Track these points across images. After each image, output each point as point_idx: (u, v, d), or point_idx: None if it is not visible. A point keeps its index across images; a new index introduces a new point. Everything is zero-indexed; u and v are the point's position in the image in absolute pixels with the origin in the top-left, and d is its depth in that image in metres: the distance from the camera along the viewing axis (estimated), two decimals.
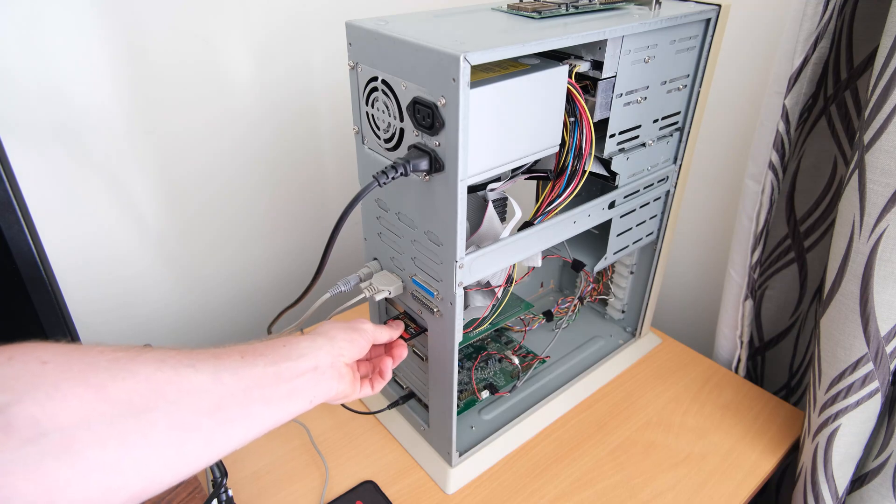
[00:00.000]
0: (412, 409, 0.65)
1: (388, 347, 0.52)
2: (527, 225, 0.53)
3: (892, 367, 0.53)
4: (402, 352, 0.52)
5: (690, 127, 0.62)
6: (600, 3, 0.53)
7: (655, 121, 0.58)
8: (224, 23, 0.73)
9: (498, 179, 0.58)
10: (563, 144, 0.51)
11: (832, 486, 0.57)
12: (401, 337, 0.53)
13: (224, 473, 0.58)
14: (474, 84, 0.40)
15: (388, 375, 0.50)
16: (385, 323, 0.53)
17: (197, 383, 0.32)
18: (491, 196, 0.55)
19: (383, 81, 0.46)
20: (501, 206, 0.58)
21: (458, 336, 0.51)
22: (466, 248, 0.47)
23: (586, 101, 0.50)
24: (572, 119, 0.50)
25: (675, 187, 0.66)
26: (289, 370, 0.38)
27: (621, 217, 0.62)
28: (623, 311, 0.79)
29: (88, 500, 0.28)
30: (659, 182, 0.64)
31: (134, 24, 0.67)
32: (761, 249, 0.67)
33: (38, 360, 0.28)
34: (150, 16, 0.67)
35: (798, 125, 0.61)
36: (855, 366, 0.53)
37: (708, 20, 0.56)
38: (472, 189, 0.55)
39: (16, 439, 0.25)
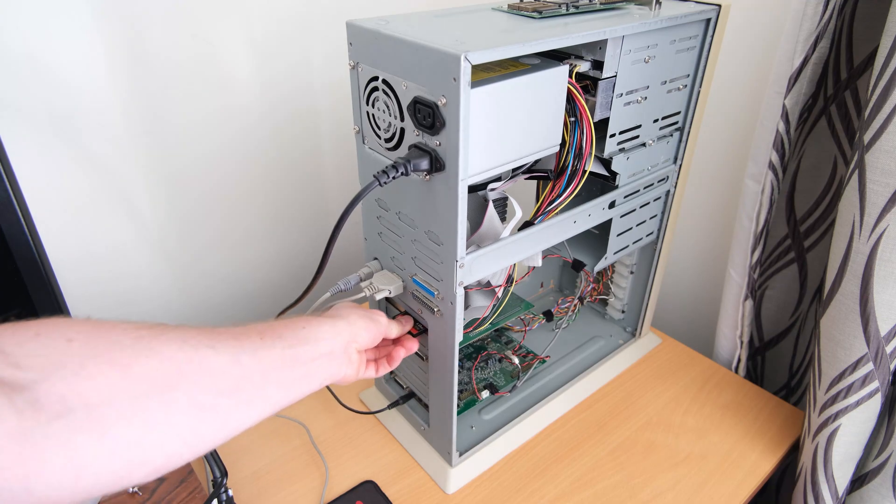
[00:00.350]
0: (412, 409, 0.65)
1: (397, 340, 0.54)
2: (527, 225, 0.53)
3: (892, 367, 0.53)
4: (414, 345, 0.53)
5: (690, 127, 0.62)
6: (601, 3, 0.53)
7: (655, 121, 0.58)
8: (225, 21, 0.73)
9: (498, 179, 0.58)
10: (563, 144, 0.51)
11: (832, 486, 0.57)
12: (409, 332, 0.55)
13: (224, 473, 0.57)
14: (475, 84, 0.40)
15: (397, 363, 0.52)
16: (394, 318, 0.53)
17: (217, 364, 0.33)
18: (491, 196, 0.55)
19: (384, 81, 0.46)
20: (502, 205, 0.58)
21: (459, 336, 0.51)
22: (467, 248, 0.47)
23: (586, 100, 0.51)
24: (572, 119, 0.50)
25: (675, 187, 0.66)
26: (305, 353, 0.40)
27: (621, 217, 0.62)
28: (623, 311, 0.79)
29: (113, 473, 0.29)
30: (659, 182, 0.64)
31: (134, 21, 0.66)
32: (761, 249, 0.67)
33: (64, 337, 0.28)
34: (149, 13, 0.67)
35: (798, 125, 0.61)
36: (855, 366, 0.53)
37: (708, 20, 0.56)
38: (473, 189, 0.55)
39: (44, 415, 0.26)
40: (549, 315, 0.76)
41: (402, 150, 0.47)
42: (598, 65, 0.50)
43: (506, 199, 0.58)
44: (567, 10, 0.50)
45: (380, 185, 0.43)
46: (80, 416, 0.27)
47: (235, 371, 0.34)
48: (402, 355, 0.52)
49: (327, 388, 0.68)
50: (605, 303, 0.81)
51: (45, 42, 0.62)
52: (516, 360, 0.71)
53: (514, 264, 0.56)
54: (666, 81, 0.57)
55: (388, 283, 0.54)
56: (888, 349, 0.51)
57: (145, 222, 0.77)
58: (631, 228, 0.64)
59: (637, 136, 0.57)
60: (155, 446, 0.30)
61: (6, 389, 0.25)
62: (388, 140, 0.48)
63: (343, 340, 0.43)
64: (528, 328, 0.76)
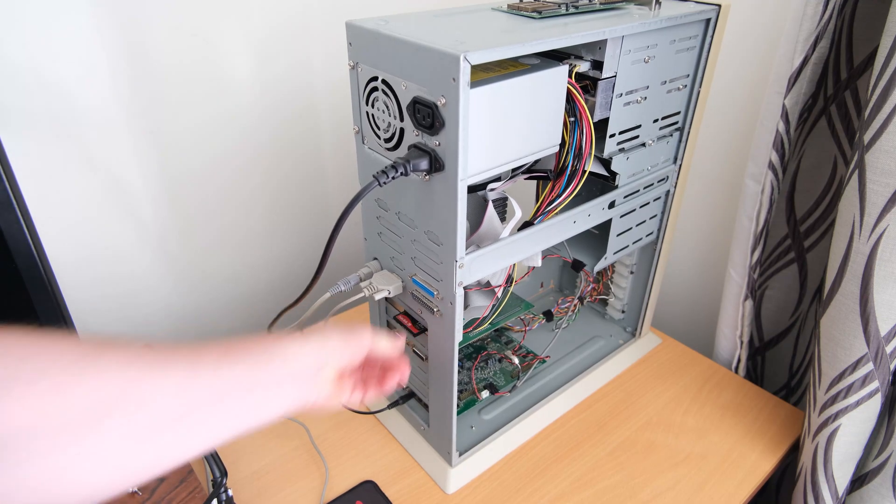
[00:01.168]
0: (412, 409, 0.65)
1: (391, 364, 0.47)
2: (527, 225, 0.53)
3: (892, 367, 0.53)
4: (407, 371, 0.47)
5: (690, 127, 0.62)
6: (600, 3, 0.53)
7: (655, 121, 0.58)
8: (225, 21, 0.73)
9: (498, 179, 0.58)
10: (563, 144, 0.51)
11: (832, 486, 0.57)
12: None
13: (224, 473, 0.58)
14: (474, 84, 0.40)
15: (389, 389, 0.46)
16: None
17: (165, 388, 0.31)
18: (491, 196, 0.55)
19: (383, 81, 0.46)
20: (501, 205, 0.58)
21: (459, 336, 0.51)
22: (466, 248, 0.47)
23: (586, 100, 0.50)
24: (572, 119, 0.50)
25: (675, 187, 0.66)
26: (268, 375, 0.36)
27: (621, 217, 0.62)
28: (623, 311, 0.79)
29: None
30: (659, 182, 0.64)
31: (134, 22, 0.67)
32: (761, 249, 0.67)
33: None
34: (149, 13, 0.67)
35: (798, 125, 0.61)
36: (855, 366, 0.53)
37: (708, 20, 0.56)
38: (472, 189, 0.55)
39: None
40: (549, 315, 0.76)
41: (402, 151, 0.47)
42: (597, 65, 0.50)
43: (505, 199, 0.58)
44: (567, 10, 0.50)
45: (379, 185, 0.43)
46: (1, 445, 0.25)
47: (185, 396, 0.32)
48: (393, 382, 0.46)
49: None
50: (605, 303, 0.81)
51: (45, 43, 0.62)
52: (516, 360, 0.71)
53: (514, 264, 0.56)
54: (666, 81, 0.57)
55: (388, 283, 0.54)
56: (888, 349, 0.51)
57: (146, 223, 0.77)
58: (631, 228, 0.64)
59: (637, 136, 0.57)
60: (85, 477, 0.28)
61: None
62: (387, 140, 0.48)
63: (311, 361, 0.39)
64: (528, 328, 0.76)
